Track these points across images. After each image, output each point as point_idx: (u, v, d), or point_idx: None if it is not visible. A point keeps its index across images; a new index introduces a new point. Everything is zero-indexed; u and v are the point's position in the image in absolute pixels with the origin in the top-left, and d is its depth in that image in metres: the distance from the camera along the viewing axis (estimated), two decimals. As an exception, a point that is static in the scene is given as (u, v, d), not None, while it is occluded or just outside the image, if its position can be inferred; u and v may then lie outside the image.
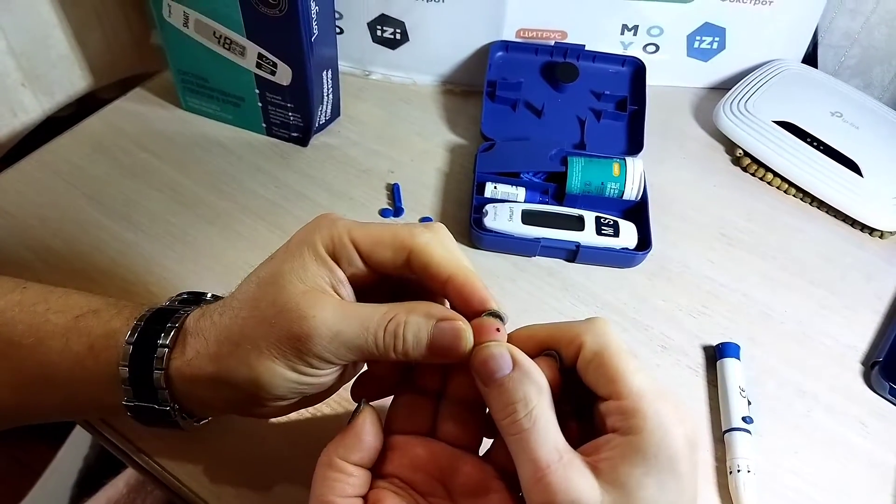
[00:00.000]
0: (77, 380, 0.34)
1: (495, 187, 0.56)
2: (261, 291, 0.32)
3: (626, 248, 0.53)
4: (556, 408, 0.30)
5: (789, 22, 0.65)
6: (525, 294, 0.51)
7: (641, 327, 0.50)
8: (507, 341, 0.32)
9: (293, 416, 0.43)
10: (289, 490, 0.40)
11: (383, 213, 0.55)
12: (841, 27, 0.68)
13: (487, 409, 0.32)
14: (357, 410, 0.32)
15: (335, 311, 0.31)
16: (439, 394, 0.34)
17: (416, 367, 0.35)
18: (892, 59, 0.67)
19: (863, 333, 0.52)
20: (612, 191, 0.56)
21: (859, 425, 0.47)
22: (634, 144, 0.60)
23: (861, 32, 0.67)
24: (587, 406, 0.31)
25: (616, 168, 0.55)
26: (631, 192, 0.55)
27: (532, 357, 0.31)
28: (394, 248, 0.32)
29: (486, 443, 0.34)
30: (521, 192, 0.56)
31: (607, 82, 0.64)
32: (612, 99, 0.63)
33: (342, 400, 0.44)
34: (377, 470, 0.32)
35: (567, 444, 0.29)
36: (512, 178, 0.57)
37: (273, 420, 0.43)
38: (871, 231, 0.59)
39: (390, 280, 0.34)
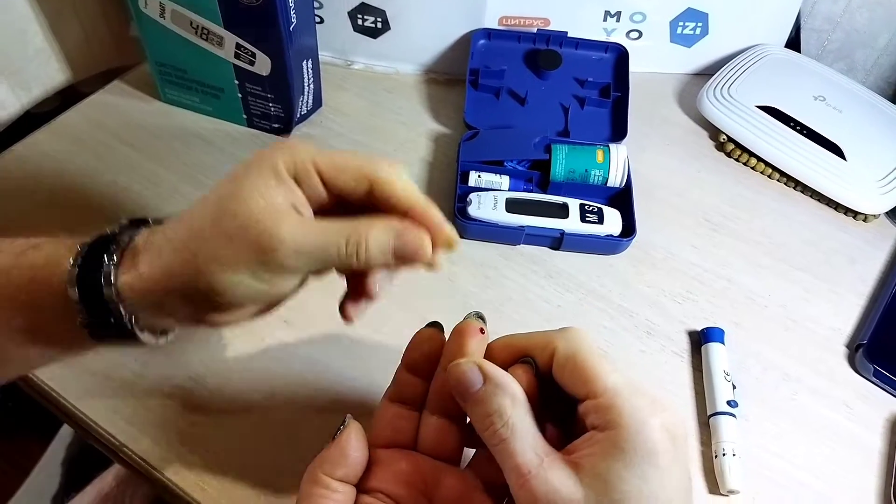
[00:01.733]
0: (28, 310, 0.33)
1: (479, 176, 0.56)
2: (221, 207, 0.31)
3: (611, 235, 0.53)
4: (537, 413, 0.30)
5: (772, 6, 0.65)
6: (509, 282, 0.51)
7: (626, 313, 0.50)
8: (486, 352, 0.33)
9: (277, 415, 0.43)
10: (270, 483, 0.40)
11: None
12: (823, 11, 0.68)
13: (468, 420, 0.32)
14: (342, 426, 0.32)
15: (298, 225, 0.31)
16: (420, 407, 0.35)
17: (399, 379, 0.35)
18: (874, 42, 0.67)
19: (847, 316, 0.52)
20: (596, 178, 0.55)
21: (844, 407, 0.47)
22: (618, 131, 0.60)
23: (843, 16, 0.67)
24: (568, 410, 0.31)
25: (600, 155, 0.55)
26: (615, 179, 0.55)
27: (509, 365, 0.32)
28: (356, 178, 0.33)
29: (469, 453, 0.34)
30: (505, 181, 0.56)
31: (590, 69, 0.63)
32: (596, 86, 0.62)
33: (333, 410, 0.43)
34: (361, 485, 0.32)
35: (547, 446, 0.29)
36: (496, 166, 0.57)
37: (257, 417, 0.43)
38: (854, 214, 0.59)
39: (348, 206, 0.34)
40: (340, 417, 0.43)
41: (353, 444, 0.31)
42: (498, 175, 0.56)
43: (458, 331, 0.34)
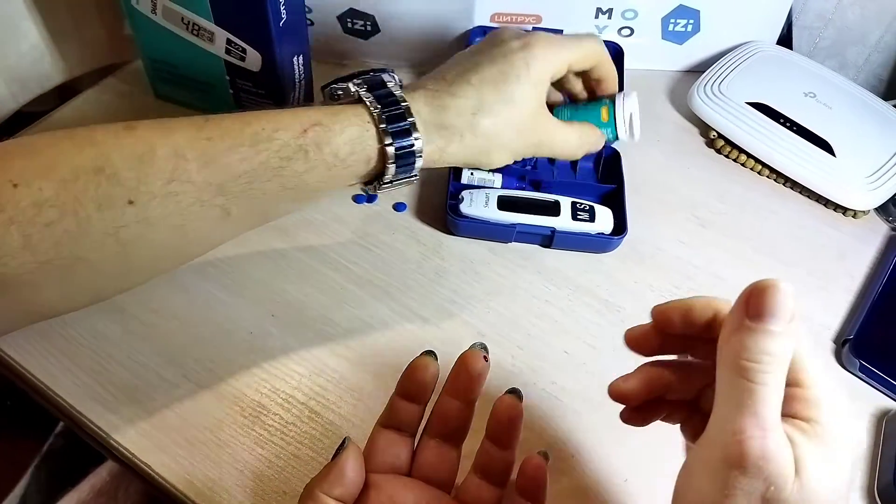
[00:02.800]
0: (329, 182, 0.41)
1: (472, 173, 0.56)
2: (519, 109, 0.44)
3: (602, 233, 0.53)
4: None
5: (763, 4, 0.65)
6: (498, 278, 0.51)
7: (614, 308, 0.51)
8: (657, 313, 0.35)
9: (280, 434, 0.43)
10: (257, 472, 0.41)
11: (357, 199, 0.55)
12: (815, 8, 0.68)
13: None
14: (341, 447, 0.33)
15: (561, 127, 0.48)
16: (414, 433, 0.36)
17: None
18: (865, 39, 0.68)
19: (835, 312, 0.53)
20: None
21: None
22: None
23: (835, 13, 0.67)
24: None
25: (604, 112, 0.52)
26: (624, 133, 0.52)
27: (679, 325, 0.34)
28: (589, 63, 0.49)
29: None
30: (497, 179, 0.56)
31: (585, 67, 0.63)
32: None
33: (319, 404, 0.44)
34: None
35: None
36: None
37: (246, 409, 0.43)
38: (844, 211, 0.59)
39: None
40: (326, 408, 0.44)
41: (350, 466, 0.32)
42: (491, 173, 0.56)
43: (463, 359, 0.35)
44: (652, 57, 0.68)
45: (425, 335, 0.48)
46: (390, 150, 0.40)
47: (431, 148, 0.42)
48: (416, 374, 0.35)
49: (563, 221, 0.53)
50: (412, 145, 0.41)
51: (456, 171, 0.56)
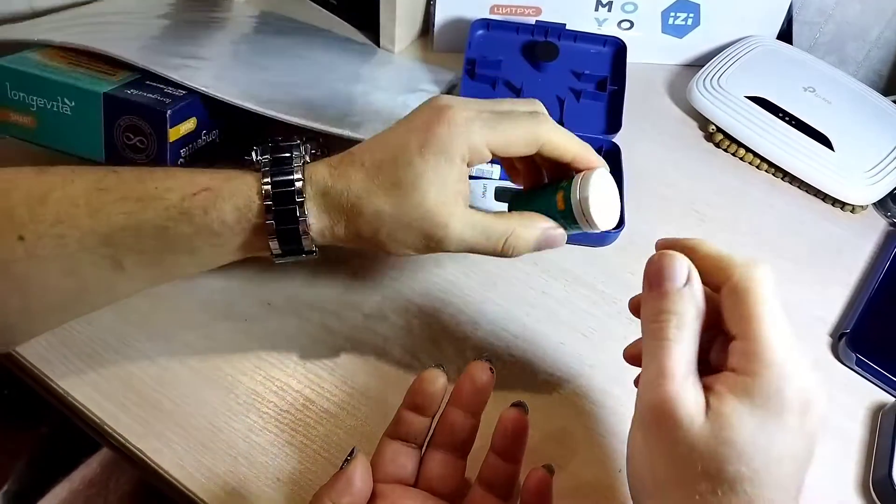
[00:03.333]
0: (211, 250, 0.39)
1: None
2: (401, 195, 0.37)
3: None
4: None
5: (764, -2, 0.65)
6: (495, 269, 0.51)
7: (610, 300, 0.50)
8: (684, 249, 0.34)
9: (274, 421, 0.43)
10: (249, 459, 0.41)
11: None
12: (815, 3, 0.68)
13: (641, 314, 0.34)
14: (350, 456, 0.34)
15: (466, 224, 0.38)
16: (421, 444, 0.37)
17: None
18: (865, 35, 0.67)
19: (832, 306, 0.53)
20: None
21: (826, 396, 0.47)
22: (613, 124, 0.60)
23: (835, 9, 0.67)
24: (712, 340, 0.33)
25: (560, 199, 0.40)
26: (585, 224, 0.40)
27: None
28: (527, 146, 0.39)
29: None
30: (496, 170, 0.56)
31: (588, 62, 0.63)
32: (593, 79, 0.63)
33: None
34: None
35: (696, 370, 0.31)
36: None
37: (260, 420, 0.43)
38: (842, 205, 0.59)
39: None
40: (321, 396, 0.44)
41: (359, 475, 0.33)
42: (489, 164, 0.56)
43: (469, 371, 0.36)
44: (651, 50, 0.68)
45: (418, 325, 0.47)
46: (270, 225, 0.37)
47: (321, 226, 0.39)
48: (424, 387, 0.36)
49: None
50: (296, 226, 0.38)
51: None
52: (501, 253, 0.39)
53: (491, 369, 0.37)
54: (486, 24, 0.64)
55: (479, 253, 0.39)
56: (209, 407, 0.42)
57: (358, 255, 0.51)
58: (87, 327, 0.45)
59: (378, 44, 0.67)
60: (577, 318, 0.49)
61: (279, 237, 0.38)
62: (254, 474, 0.40)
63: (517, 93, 0.61)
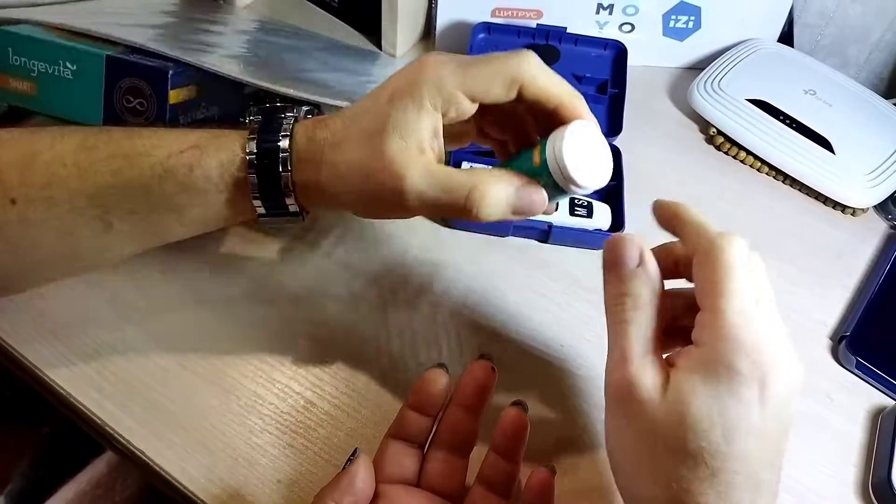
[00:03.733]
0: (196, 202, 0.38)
1: (471, 166, 0.56)
2: (363, 143, 0.34)
3: (599, 230, 0.53)
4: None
5: (765, 1, 0.65)
6: (496, 272, 0.51)
7: (611, 303, 0.50)
8: (671, 214, 0.35)
9: (275, 423, 0.44)
10: (249, 460, 0.41)
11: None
12: (816, 6, 0.68)
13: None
14: (352, 457, 0.34)
15: (425, 176, 0.34)
16: (423, 445, 0.37)
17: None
18: (867, 37, 0.67)
19: (832, 309, 0.53)
20: None
21: (826, 398, 0.48)
22: (614, 126, 0.60)
23: (836, 11, 0.67)
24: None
25: (536, 155, 0.36)
26: (562, 181, 0.36)
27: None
28: (505, 86, 0.34)
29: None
30: (495, 172, 0.56)
31: (589, 65, 0.63)
32: (594, 82, 0.63)
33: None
34: None
35: (657, 348, 0.31)
36: (489, 157, 0.57)
37: (261, 422, 0.43)
38: (842, 208, 0.59)
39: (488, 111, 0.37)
40: (322, 398, 0.44)
41: (361, 475, 0.33)
42: (490, 167, 0.56)
43: (471, 370, 0.37)
44: (652, 53, 0.68)
45: (419, 327, 0.48)
46: (252, 178, 0.36)
47: (302, 178, 0.37)
48: (426, 387, 0.36)
49: (561, 217, 0.53)
50: (277, 181, 0.36)
51: (456, 165, 0.56)
52: (465, 209, 0.34)
53: (492, 368, 0.37)
54: (487, 27, 0.64)
55: (442, 213, 0.36)
56: (210, 408, 0.43)
57: (362, 259, 0.51)
58: (86, 328, 0.45)
59: (380, 47, 0.67)
60: (577, 321, 0.49)
61: (261, 192, 0.37)
62: (255, 476, 0.40)
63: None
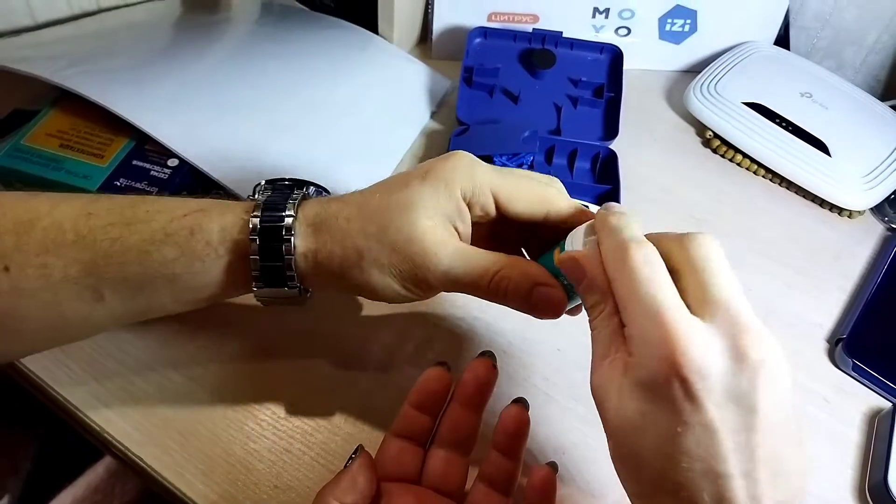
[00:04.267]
0: (193, 270, 0.36)
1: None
2: (391, 215, 0.34)
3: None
4: None
5: (761, 4, 0.66)
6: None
7: (607, 307, 0.51)
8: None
9: (272, 429, 0.44)
10: (247, 466, 0.41)
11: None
12: (812, 8, 0.68)
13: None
14: (354, 455, 0.34)
15: (453, 254, 0.34)
16: (425, 443, 0.37)
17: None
18: (863, 40, 0.68)
19: (829, 312, 0.53)
20: None
21: (822, 401, 0.48)
22: (610, 130, 0.61)
23: (832, 14, 0.67)
24: None
25: (557, 255, 0.36)
26: None
27: None
28: (533, 204, 0.35)
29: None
30: (492, 176, 0.57)
31: (585, 69, 0.64)
32: (590, 86, 0.63)
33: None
34: None
35: (623, 346, 0.29)
36: (485, 162, 0.57)
37: (258, 427, 0.43)
38: (839, 211, 0.59)
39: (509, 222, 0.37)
40: (300, 392, 0.44)
41: (363, 473, 0.33)
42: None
43: (472, 367, 0.36)
44: (649, 57, 0.68)
45: (415, 329, 0.48)
46: (254, 244, 0.35)
47: (305, 249, 0.36)
48: (428, 386, 0.36)
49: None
50: (278, 245, 0.35)
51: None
52: (488, 290, 0.35)
53: (494, 365, 0.37)
54: (483, 31, 0.64)
55: (464, 290, 0.36)
56: (207, 414, 0.43)
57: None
58: (87, 335, 0.45)
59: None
60: (573, 325, 0.49)
61: (261, 256, 0.35)
62: (252, 481, 0.40)
63: (514, 100, 0.62)
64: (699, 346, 0.27)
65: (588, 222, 0.34)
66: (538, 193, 0.36)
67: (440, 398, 0.36)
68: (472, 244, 0.37)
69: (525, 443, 0.36)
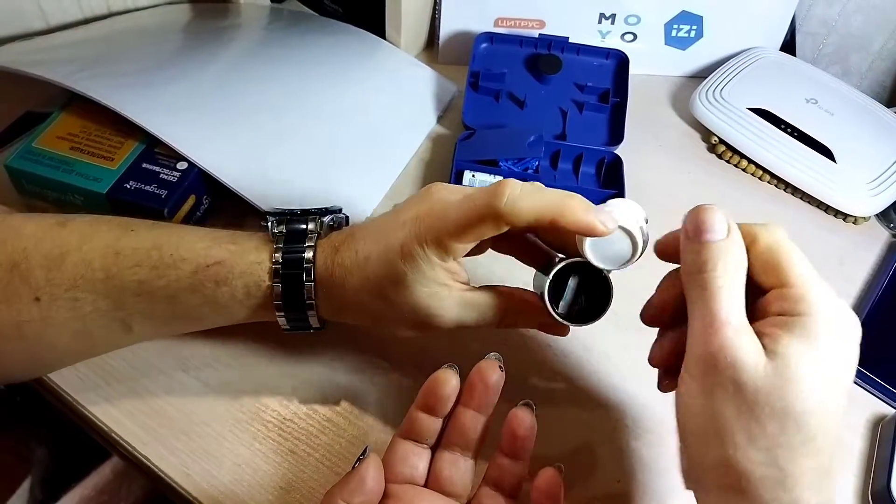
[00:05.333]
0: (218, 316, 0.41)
1: (473, 175, 0.57)
2: (391, 292, 0.37)
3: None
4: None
5: (767, 9, 0.66)
6: (494, 278, 0.52)
7: (611, 313, 0.51)
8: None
9: (278, 430, 0.44)
10: (251, 465, 0.41)
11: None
12: (818, 15, 0.68)
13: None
14: (362, 456, 0.34)
15: (459, 306, 0.38)
16: (433, 445, 0.37)
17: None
18: (869, 46, 0.68)
19: (833, 317, 0.53)
20: None
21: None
22: (615, 136, 0.61)
23: (838, 20, 0.68)
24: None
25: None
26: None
27: None
28: (490, 228, 0.35)
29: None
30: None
31: (591, 75, 0.64)
32: (595, 91, 0.63)
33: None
34: None
35: (746, 317, 0.32)
36: (491, 166, 0.58)
37: (264, 429, 0.44)
38: (844, 217, 0.59)
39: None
40: (324, 405, 0.44)
41: (371, 475, 0.33)
42: (492, 175, 0.57)
43: (479, 369, 0.36)
44: (654, 62, 0.68)
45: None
46: (279, 304, 0.39)
47: (325, 306, 0.40)
48: (436, 388, 0.36)
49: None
50: (302, 307, 0.39)
51: (457, 174, 0.57)
52: (497, 326, 0.40)
53: (500, 367, 0.37)
54: (490, 37, 0.64)
55: (480, 326, 0.40)
56: (213, 415, 0.43)
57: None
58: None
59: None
60: (576, 331, 0.49)
61: (285, 303, 0.39)
62: (257, 481, 0.41)
63: (520, 105, 0.62)
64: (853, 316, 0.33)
65: (557, 263, 0.37)
66: (487, 215, 0.34)
67: (447, 401, 0.36)
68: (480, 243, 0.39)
69: (531, 446, 0.36)
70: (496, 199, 0.34)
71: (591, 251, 0.37)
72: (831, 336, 0.31)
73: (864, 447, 0.46)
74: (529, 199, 0.34)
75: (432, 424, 0.36)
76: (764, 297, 0.33)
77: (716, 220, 0.33)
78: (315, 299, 0.39)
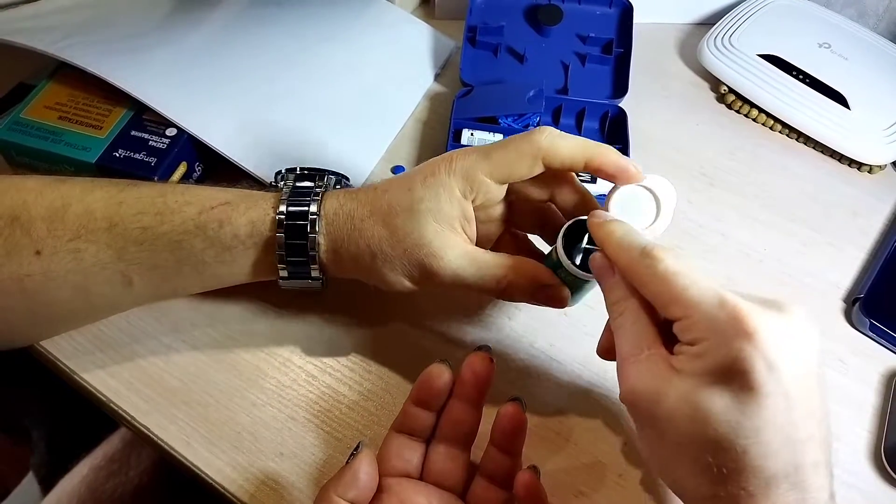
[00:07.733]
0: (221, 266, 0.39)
1: (472, 134, 0.55)
2: (399, 219, 0.37)
3: (603, 195, 0.52)
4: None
5: (778, -50, 0.63)
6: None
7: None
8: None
9: (277, 397, 0.44)
10: (253, 434, 0.41)
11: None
12: (833, -46, 0.65)
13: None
14: (355, 451, 0.34)
15: (461, 255, 0.37)
16: (427, 439, 0.37)
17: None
18: (886, -14, 0.65)
19: (846, 271, 0.51)
20: None
21: (838, 363, 0.47)
22: (619, 88, 0.59)
23: (854, -41, 0.64)
24: None
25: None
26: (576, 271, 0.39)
27: None
28: (528, 163, 0.36)
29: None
30: (498, 139, 0.55)
31: (593, 25, 0.61)
32: (598, 42, 0.61)
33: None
34: None
35: (658, 341, 0.31)
36: (490, 124, 0.56)
37: (264, 396, 0.43)
38: (858, 166, 0.57)
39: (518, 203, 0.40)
40: (323, 371, 0.44)
41: (364, 469, 0.34)
42: (491, 133, 0.55)
43: (470, 362, 0.37)
44: (661, 10, 0.66)
45: (420, 299, 0.47)
46: (280, 239, 0.38)
47: (327, 247, 0.39)
48: (429, 383, 0.37)
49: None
50: (304, 246, 0.38)
51: (455, 133, 0.55)
52: (494, 291, 0.38)
53: (490, 359, 0.37)
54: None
55: (473, 291, 0.38)
56: (213, 383, 0.43)
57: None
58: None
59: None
60: (569, 319, 0.48)
61: (287, 252, 0.38)
62: (257, 448, 0.41)
63: (520, 59, 0.60)
64: (768, 319, 0.28)
65: (574, 219, 0.37)
66: (526, 150, 0.36)
67: (440, 395, 0.37)
68: (490, 231, 0.40)
69: (523, 440, 0.37)
70: (537, 133, 0.36)
71: (616, 206, 0.37)
72: (735, 367, 0.28)
73: (877, 402, 0.45)
74: (567, 139, 0.36)
75: (426, 418, 0.37)
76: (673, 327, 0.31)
77: (600, 263, 0.34)
78: (318, 250, 0.38)
